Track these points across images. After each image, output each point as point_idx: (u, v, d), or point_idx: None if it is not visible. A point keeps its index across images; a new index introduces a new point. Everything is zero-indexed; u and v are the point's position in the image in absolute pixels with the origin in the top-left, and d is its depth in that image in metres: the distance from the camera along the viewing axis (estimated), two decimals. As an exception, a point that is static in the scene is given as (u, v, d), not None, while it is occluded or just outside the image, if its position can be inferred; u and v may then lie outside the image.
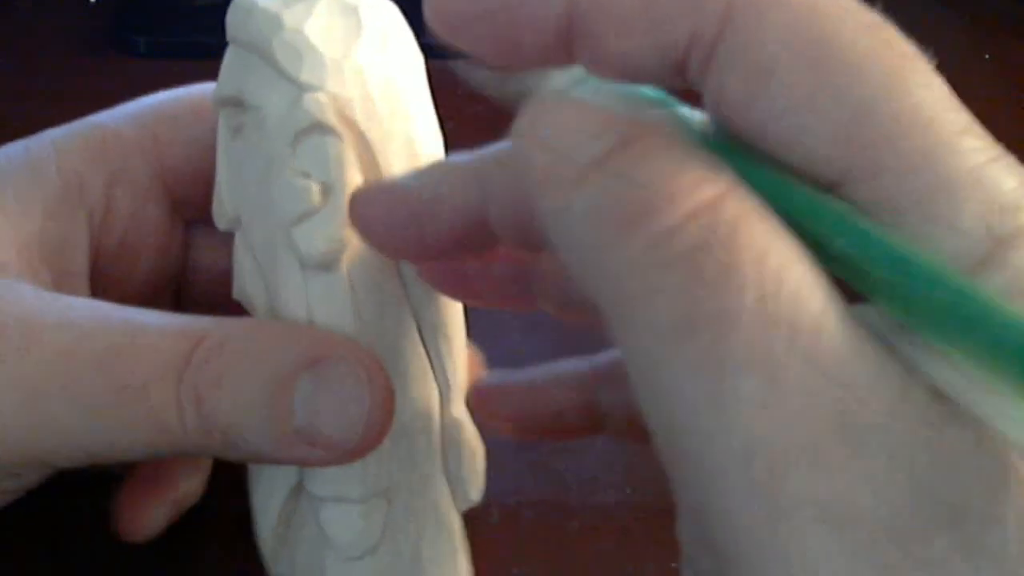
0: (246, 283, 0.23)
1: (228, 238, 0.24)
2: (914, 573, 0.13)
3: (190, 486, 0.28)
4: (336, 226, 0.21)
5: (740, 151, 0.15)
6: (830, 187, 0.15)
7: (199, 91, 0.27)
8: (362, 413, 0.20)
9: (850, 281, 0.14)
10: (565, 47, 0.17)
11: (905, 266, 0.14)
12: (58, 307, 0.22)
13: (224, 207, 0.24)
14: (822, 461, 0.13)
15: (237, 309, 0.26)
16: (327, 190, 0.22)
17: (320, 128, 0.21)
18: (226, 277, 0.24)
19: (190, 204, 0.27)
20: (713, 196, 0.14)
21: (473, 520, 0.25)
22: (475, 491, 0.24)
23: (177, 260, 0.28)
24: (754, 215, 0.14)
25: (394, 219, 0.20)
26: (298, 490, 0.23)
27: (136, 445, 0.21)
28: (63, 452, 0.21)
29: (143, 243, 0.26)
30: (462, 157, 0.20)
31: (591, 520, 0.21)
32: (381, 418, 0.21)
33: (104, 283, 0.26)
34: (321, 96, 0.21)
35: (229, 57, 0.23)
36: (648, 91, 0.18)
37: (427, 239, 0.20)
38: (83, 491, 0.27)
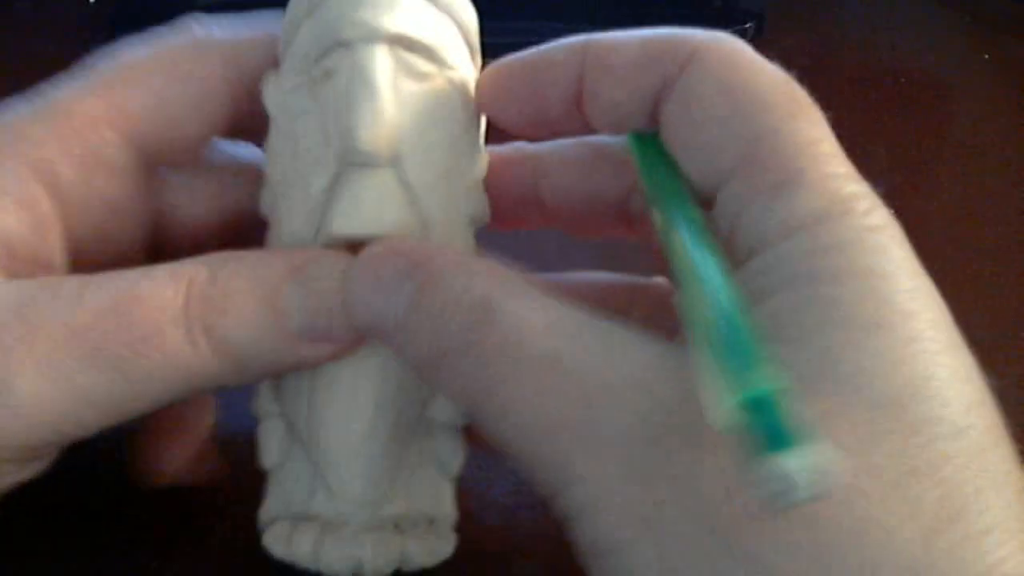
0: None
1: (203, 182, 0.26)
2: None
3: (200, 422, 0.28)
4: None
5: (664, 160, 0.22)
6: (723, 176, 0.21)
7: (156, 53, 0.25)
8: (344, 304, 0.22)
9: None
10: (577, 107, 0.24)
11: (703, 285, 0.19)
12: (44, 290, 0.22)
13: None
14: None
15: (197, 248, 0.27)
16: None
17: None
18: (202, 220, 0.26)
19: (164, 162, 0.26)
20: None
21: (473, 520, 0.25)
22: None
23: (154, 218, 0.27)
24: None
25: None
26: None
27: (154, 391, 0.22)
28: (93, 419, 0.22)
29: (122, 223, 0.26)
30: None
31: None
32: (369, 304, 0.22)
33: (80, 269, 0.25)
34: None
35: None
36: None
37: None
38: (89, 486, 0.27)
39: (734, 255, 0.21)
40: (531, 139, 0.26)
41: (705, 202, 0.22)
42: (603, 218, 0.26)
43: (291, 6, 0.24)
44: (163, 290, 0.22)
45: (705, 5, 0.59)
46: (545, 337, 0.20)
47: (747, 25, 0.57)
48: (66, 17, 0.52)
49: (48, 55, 0.49)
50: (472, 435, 0.24)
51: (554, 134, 0.25)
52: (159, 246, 0.28)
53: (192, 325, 0.22)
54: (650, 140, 0.23)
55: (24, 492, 0.23)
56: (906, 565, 0.16)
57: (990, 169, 0.48)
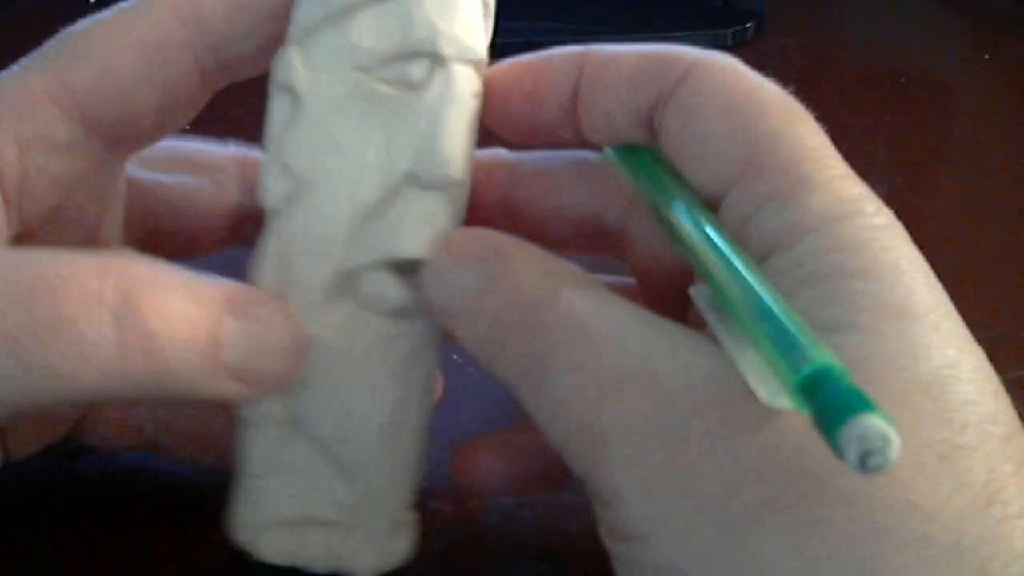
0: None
1: (185, 179, 0.26)
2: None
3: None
4: None
5: (665, 169, 0.23)
6: (726, 185, 0.21)
7: (104, 19, 0.24)
8: (283, 351, 0.22)
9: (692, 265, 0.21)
10: (571, 116, 0.24)
11: (737, 273, 0.19)
12: None
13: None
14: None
15: (194, 246, 0.29)
16: None
17: None
18: (181, 218, 0.26)
19: (124, 141, 0.25)
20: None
21: (473, 520, 0.25)
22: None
23: (117, 199, 0.27)
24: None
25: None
26: None
27: (61, 389, 0.20)
28: None
29: (73, 201, 0.25)
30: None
31: (591, 520, 0.21)
32: (299, 353, 0.22)
33: (34, 243, 0.24)
34: None
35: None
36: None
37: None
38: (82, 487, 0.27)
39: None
40: (522, 145, 0.25)
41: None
42: (575, 233, 0.26)
43: None
44: (88, 277, 0.20)
45: (705, 5, 0.59)
46: (597, 319, 0.20)
47: (747, 25, 0.57)
48: (66, 17, 0.52)
49: (48, 55, 0.49)
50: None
51: (545, 143, 0.25)
52: (149, 239, 0.28)
53: (124, 321, 0.20)
54: (642, 153, 0.23)
55: (25, 492, 0.23)
56: (954, 540, 0.17)
57: (990, 169, 0.48)
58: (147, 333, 0.20)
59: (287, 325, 0.22)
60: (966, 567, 0.17)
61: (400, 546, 0.24)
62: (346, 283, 0.23)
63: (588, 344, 0.20)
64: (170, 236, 0.28)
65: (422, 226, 0.22)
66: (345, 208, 0.22)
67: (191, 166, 0.28)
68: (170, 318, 0.20)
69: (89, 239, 0.26)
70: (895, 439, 0.15)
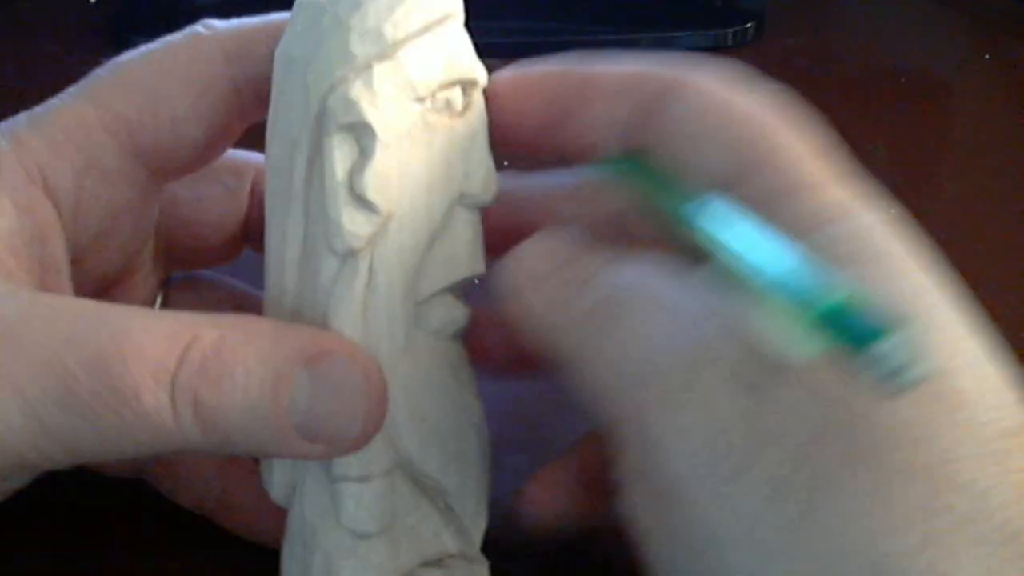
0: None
1: (204, 190, 0.26)
2: None
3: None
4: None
5: (657, 172, 0.23)
6: (724, 188, 0.21)
7: (153, 52, 0.25)
8: (360, 410, 0.21)
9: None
10: (550, 131, 0.24)
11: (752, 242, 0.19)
12: (40, 310, 0.21)
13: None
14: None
15: (215, 256, 0.29)
16: None
17: None
18: (200, 229, 0.26)
19: (168, 169, 0.26)
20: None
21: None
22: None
23: (153, 224, 0.27)
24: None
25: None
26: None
27: (129, 447, 0.21)
28: (60, 456, 0.21)
29: (119, 227, 0.26)
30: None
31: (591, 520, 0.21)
32: (378, 414, 0.21)
33: (82, 273, 0.25)
34: None
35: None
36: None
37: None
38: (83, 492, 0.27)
39: None
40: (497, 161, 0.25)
41: None
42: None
43: (400, 18, 0.22)
44: (156, 346, 0.20)
45: (705, 5, 0.59)
46: (657, 287, 0.21)
47: (747, 25, 0.57)
48: (66, 17, 0.52)
49: (49, 55, 0.49)
50: None
51: (521, 158, 0.26)
52: (171, 252, 0.28)
53: (179, 393, 0.20)
54: (630, 161, 0.24)
55: (25, 493, 0.23)
56: (1003, 431, 0.18)
57: (990, 169, 0.48)
58: (204, 405, 0.20)
59: (364, 382, 0.21)
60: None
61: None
62: (420, 312, 0.23)
63: (646, 307, 0.21)
64: (188, 249, 0.29)
65: (476, 243, 0.24)
66: (424, 239, 0.23)
67: (203, 169, 0.28)
68: (229, 388, 0.20)
69: (129, 264, 0.27)
70: (910, 360, 0.16)
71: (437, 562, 0.24)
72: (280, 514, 0.24)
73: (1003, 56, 0.53)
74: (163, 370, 0.20)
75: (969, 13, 0.57)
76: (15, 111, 0.25)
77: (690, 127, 0.22)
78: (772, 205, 0.21)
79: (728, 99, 0.22)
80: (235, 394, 0.20)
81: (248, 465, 0.27)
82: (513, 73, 0.25)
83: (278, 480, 0.24)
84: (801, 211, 0.20)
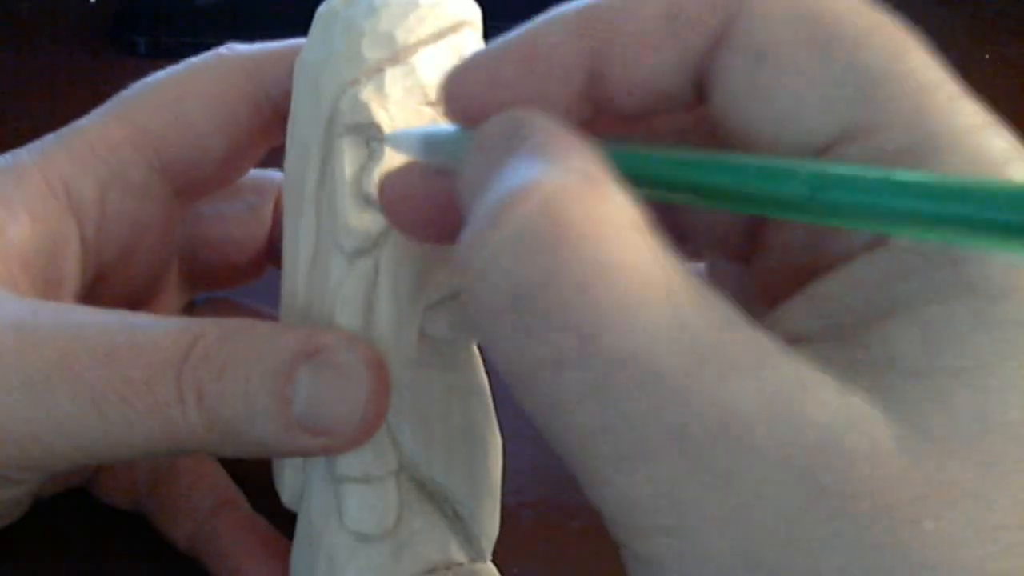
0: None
1: (227, 208, 0.26)
2: None
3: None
4: None
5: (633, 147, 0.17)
6: (817, 152, 0.16)
7: (178, 72, 0.26)
8: (361, 400, 0.21)
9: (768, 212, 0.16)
10: (589, 91, 0.18)
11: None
12: (49, 312, 0.22)
13: None
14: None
15: (239, 275, 0.29)
16: None
17: None
18: (223, 246, 0.27)
19: (192, 187, 0.27)
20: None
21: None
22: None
23: (177, 240, 0.28)
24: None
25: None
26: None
27: (137, 441, 0.21)
28: (65, 451, 0.21)
29: (144, 243, 0.26)
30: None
31: (591, 520, 0.21)
32: (379, 405, 0.21)
33: (106, 285, 0.26)
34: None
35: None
36: None
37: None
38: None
39: (854, 239, 0.17)
40: None
41: None
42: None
43: (413, 23, 0.22)
44: (165, 340, 0.21)
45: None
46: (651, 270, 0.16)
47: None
48: (66, 17, 0.52)
49: (49, 55, 0.49)
50: None
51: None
52: (195, 271, 0.29)
53: (185, 385, 0.21)
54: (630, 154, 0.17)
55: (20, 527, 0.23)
56: None
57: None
58: (208, 396, 0.21)
59: (367, 372, 0.21)
60: None
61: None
62: (429, 317, 0.23)
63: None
64: (212, 267, 0.29)
65: None
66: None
67: (226, 189, 0.28)
68: (232, 380, 0.21)
69: (154, 285, 0.27)
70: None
71: (443, 570, 0.24)
72: (266, 567, 0.25)
73: (1003, 56, 0.53)
74: (172, 362, 0.21)
75: (969, 13, 0.57)
76: (15, 111, 0.25)
77: (777, 61, 0.17)
78: (904, 166, 0.16)
79: (821, 16, 0.16)
80: (237, 386, 0.21)
81: (242, 509, 0.27)
82: (512, 40, 0.18)
83: (288, 483, 0.24)
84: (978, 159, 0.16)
